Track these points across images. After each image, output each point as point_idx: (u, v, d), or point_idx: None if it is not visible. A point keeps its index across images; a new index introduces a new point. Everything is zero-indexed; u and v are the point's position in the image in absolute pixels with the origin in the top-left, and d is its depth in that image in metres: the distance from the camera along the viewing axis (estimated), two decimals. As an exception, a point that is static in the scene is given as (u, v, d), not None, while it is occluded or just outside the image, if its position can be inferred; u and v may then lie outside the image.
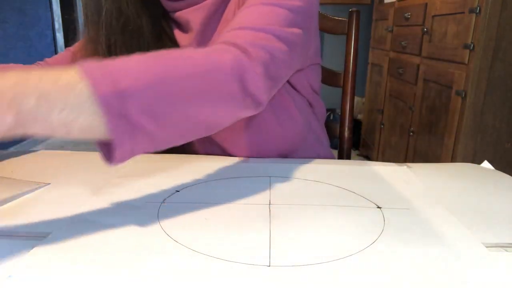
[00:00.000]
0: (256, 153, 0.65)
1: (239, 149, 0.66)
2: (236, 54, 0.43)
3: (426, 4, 1.82)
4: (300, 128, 0.68)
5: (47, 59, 0.71)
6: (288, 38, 0.50)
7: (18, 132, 0.32)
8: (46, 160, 0.63)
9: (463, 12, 1.52)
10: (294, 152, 0.69)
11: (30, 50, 3.09)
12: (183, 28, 0.65)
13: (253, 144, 0.65)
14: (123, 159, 0.37)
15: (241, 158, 0.65)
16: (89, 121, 0.34)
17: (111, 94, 0.34)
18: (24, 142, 3.08)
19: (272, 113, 0.64)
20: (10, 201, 0.47)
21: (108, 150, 0.37)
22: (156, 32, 0.64)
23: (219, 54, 0.43)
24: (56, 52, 3.51)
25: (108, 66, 0.36)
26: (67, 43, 3.77)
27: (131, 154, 0.37)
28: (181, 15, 0.63)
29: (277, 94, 0.62)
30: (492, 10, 1.40)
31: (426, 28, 1.81)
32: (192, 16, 0.62)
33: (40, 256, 0.35)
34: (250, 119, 0.63)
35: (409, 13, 1.98)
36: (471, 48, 1.47)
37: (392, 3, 2.29)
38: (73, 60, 0.69)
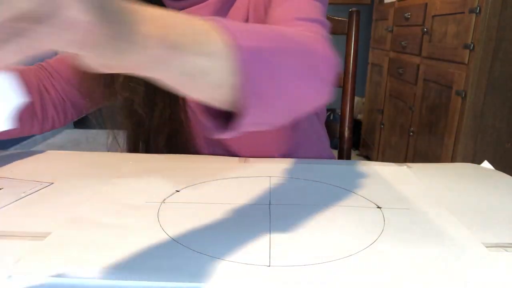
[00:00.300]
0: (260, 152, 0.65)
1: (243, 148, 0.66)
2: (324, 43, 0.43)
3: (426, 4, 1.82)
4: (302, 128, 0.69)
5: (47, 60, 0.70)
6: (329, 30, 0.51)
7: (148, 69, 0.28)
8: (46, 160, 0.63)
9: (463, 12, 1.52)
10: (296, 152, 0.69)
11: (30, 50, 3.09)
12: None
13: (257, 144, 0.66)
14: (242, 129, 0.33)
15: (241, 158, 0.65)
16: (219, 77, 0.31)
17: (248, 51, 0.31)
18: (24, 142, 3.08)
19: None
20: (14, 201, 0.47)
21: (218, 120, 0.35)
22: None
23: (315, 40, 0.42)
24: (56, 53, 3.51)
25: (241, 25, 0.33)
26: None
27: (251, 126, 0.34)
28: (186, 13, 0.63)
29: None
30: (492, 10, 1.40)
31: (426, 28, 1.81)
32: (197, 14, 0.62)
33: (40, 256, 0.35)
34: None
35: (409, 13, 1.98)
36: (471, 48, 1.47)
37: (392, 3, 2.29)
38: (75, 60, 0.69)
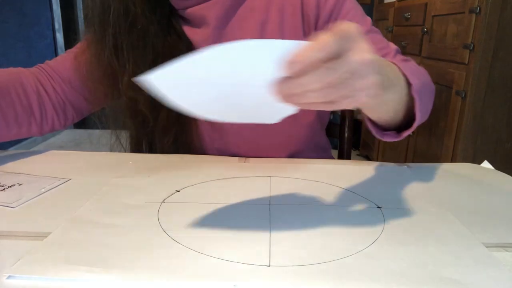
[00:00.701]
0: (265, 154, 0.66)
1: (248, 153, 0.67)
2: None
3: (426, 4, 1.82)
4: (304, 134, 0.69)
5: (48, 61, 0.70)
6: None
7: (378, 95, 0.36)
8: (46, 160, 0.63)
9: (463, 12, 1.52)
10: (299, 154, 0.69)
11: (30, 50, 3.09)
12: (196, 23, 0.65)
13: (260, 150, 0.66)
14: (404, 136, 0.51)
15: (241, 158, 0.65)
16: (400, 103, 0.47)
17: (417, 85, 0.47)
18: (24, 143, 3.08)
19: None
20: (35, 197, 0.48)
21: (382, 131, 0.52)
22: (163, 30, 0.64)
23: (424, 70, 0.59)
24: (56, 52, 3.51)
25: (406, 68, 0.48)
26: (67, 43, 3.77)
27: (408, 132, 0.51)
28: (194, 11, 0.63)
29: None
30: (492, 10, 1.40)
31: (426, 28, 1.81)
32: (208, 11, 0.62)
33: (40, 256, 0.35)
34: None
35: (409, 13, 1.98)
36: (471, 48, 1.47)
37: (392, 3, 2.29)
38: (76, 61, 0.68)
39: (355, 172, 0.58)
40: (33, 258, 0.35)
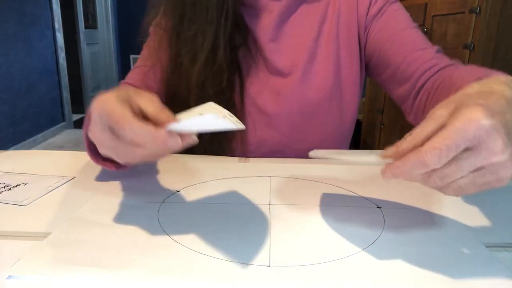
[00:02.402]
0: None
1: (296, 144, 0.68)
2: None
3: (426, 4, 1.82)
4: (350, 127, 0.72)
5: (128, 80, 0.67)
6: None
7: None
8: (47, 160, 0.63)
9: (463, 12, 1.52)
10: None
11: (30, 50, 3.09)
12: (257, 10, 0.66)
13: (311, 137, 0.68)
14: None
15: (241, 158, 0.65)
16: None
17: None
18: (24, 142, 3.08)
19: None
20: (43, 195, 0.48)
21: None
22: (220, 13, 0.62)
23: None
24: (56, 52, 3.51)
25: None
26: (67, 43, 3.77)
27: None
28: (260, 1, 0.65)
29: None
30: (492, 10, 1.40)
31: (426, 28, 1.81)
32: (272, 1, 0.65)
33: (40, 256, 0.35)
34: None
35: (409, 13, 1.98)
36: (471, 48, 1.47)
37: (392, 3, 2.29)
38: (158, 71, 0.67)
39: (355, 172, 0.58)
40: (33, 258, 0.35)
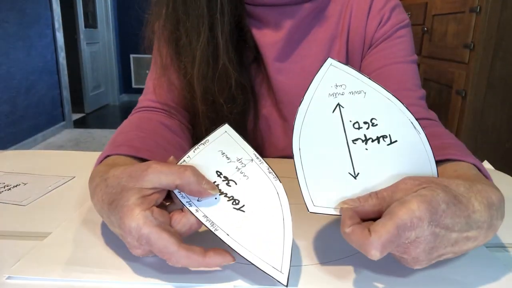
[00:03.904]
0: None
1: None
2: None
3: (427, 3, 1.82)
4: None
5: (149, 101, 0.62)
6: None
7: None
8: (47, 160, 0.63)
9: (463, 12, 1.52)
10: None
11: (30, 50, 3.09)
12: (266, 25, 0.62)
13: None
14: None
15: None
16: None
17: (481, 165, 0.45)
18: (24, 142, 3.08)
19: None
20: (43, 195, 0.49)
21: None
22: (230, 25, 0.58)
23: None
24: (56, 51, 3.51)
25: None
26: (67, 43, 3.77)
27: None
28: (271, 12, 0.61)
29: None
30: (492, 10, 1.40)
31: (426, 28, 1.81)
32: (285, 16, 0.61)
33: (40, 256, 0.35)
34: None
35: (409, 13, 1.98)
36: (471, 47, 1.47)
37: (392, 3, 2.29)
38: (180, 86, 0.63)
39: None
40: (33, 259, 0.35)
